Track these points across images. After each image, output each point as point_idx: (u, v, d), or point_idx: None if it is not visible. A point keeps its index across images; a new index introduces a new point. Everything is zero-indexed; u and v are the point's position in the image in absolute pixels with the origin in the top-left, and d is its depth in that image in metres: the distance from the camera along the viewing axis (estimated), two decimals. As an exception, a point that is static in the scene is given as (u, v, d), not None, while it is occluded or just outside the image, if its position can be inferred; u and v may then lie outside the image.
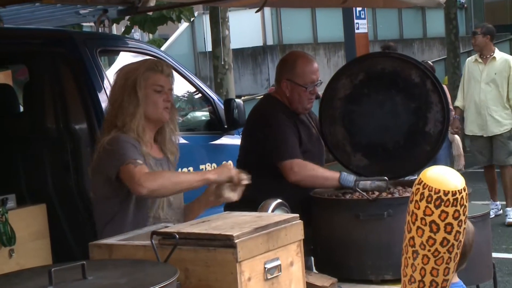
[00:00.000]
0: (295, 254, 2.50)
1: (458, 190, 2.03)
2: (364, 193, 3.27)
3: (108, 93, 4.37)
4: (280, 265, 2.41)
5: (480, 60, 7.76)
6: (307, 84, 3.61)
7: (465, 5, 20.80)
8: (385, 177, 3.31)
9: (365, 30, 11.16)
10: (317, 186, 3.49)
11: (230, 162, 3.41)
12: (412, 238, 2.09)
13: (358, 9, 10.59)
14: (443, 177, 2.06)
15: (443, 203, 2.02)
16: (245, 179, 3.00)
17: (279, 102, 3.64)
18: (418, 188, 2.07)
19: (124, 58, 5.76)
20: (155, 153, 3.06)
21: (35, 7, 4.96)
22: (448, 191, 2.02)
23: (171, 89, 3.06)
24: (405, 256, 2.13)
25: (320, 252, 3.34)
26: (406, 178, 3.64)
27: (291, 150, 3.50)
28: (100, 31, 5.08)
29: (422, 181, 2.07)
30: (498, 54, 7.76)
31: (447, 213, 2.02)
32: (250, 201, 3.07)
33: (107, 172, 2.90)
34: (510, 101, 7.60)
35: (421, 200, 2.06)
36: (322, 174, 3.48)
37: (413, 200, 2.09)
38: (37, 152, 4.44)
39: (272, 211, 3.08)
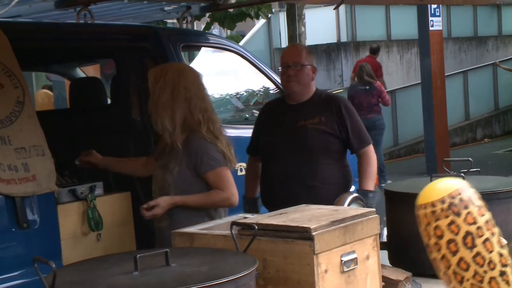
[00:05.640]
0: (371, 248, 2.45)
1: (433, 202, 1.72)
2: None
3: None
4: (356, 258, 2.37)
5: None
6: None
7: (542, 2, 20.01)
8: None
9: (440, 28, 10.89)
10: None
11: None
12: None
13: (433, 6, 10.34)
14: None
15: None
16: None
17: None
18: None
19: (205, 53, 5.81)
20: None
21: (123, 4, 5.03)
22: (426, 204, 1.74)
23: None
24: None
25: (394, 246, 3.27)
26: None
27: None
28: (183, 27, 5.12)
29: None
30: None
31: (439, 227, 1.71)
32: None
33: None
34: None
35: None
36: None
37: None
38: (122, 143, 4.51)
39: (348, 205, 3.04)
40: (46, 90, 9.76)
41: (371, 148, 3.65)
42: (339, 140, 3.59)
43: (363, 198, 3.39)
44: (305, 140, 3.56)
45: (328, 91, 12.91)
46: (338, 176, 3.61)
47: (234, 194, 3.31)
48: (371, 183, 3.55)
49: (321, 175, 3.52)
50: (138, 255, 2.01)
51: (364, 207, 3.01)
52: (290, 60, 3.63)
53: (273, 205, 3.43)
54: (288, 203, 3.07)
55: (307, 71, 3.64)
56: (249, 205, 3.76)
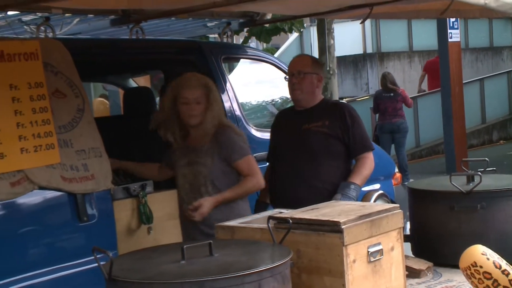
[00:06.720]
0: (396, 240, 2.44)
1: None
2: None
3: (230, 95, 4.43)
4: (382, 249, 2.36)
5: None
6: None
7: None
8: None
9: (458, 39, 10.74)
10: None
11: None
12: None
13: (452, 19, 10.21)
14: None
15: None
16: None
17: None
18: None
19: (244, 64, 5.82)
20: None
21: (171, 21, 5.09)
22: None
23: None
24: None
25: (417, 239, 3.24)
26: None
27: None
28: (224, 41, 5.15)
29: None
30: None
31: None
32: None
33: None
34: None
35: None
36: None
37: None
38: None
39: (374, 201, 3.02)
40: (102, 99, 9.91)
41: (370, 155, 3.46)
42: (341, 143, 3.45)
43: (344, 189, 3.25)
44: (307, 142, 3.45)
45: (355, 97, 12.87)
46: (341, 177, 3.44)
47: (261, 177, 3.45)
48: (357, 178, 3.36)
49: (324, 175, 3.39)
50: (185, 246, 2.03)
51: (388, 203, 3.00)
52: (294, 69, 3.55)
53: (278, 204, 3.34)
54: (292, 201, 3.01)
55: (311, 79, 3.53)
56: (258, 209, 3.56)
